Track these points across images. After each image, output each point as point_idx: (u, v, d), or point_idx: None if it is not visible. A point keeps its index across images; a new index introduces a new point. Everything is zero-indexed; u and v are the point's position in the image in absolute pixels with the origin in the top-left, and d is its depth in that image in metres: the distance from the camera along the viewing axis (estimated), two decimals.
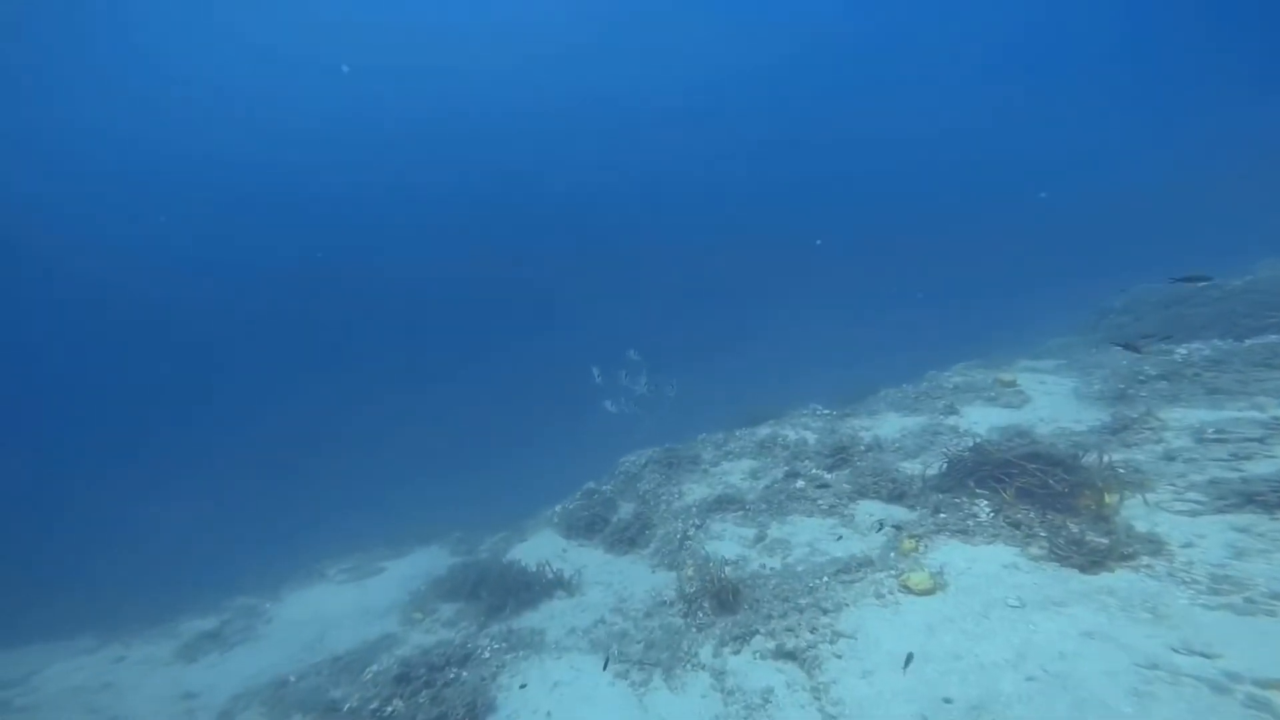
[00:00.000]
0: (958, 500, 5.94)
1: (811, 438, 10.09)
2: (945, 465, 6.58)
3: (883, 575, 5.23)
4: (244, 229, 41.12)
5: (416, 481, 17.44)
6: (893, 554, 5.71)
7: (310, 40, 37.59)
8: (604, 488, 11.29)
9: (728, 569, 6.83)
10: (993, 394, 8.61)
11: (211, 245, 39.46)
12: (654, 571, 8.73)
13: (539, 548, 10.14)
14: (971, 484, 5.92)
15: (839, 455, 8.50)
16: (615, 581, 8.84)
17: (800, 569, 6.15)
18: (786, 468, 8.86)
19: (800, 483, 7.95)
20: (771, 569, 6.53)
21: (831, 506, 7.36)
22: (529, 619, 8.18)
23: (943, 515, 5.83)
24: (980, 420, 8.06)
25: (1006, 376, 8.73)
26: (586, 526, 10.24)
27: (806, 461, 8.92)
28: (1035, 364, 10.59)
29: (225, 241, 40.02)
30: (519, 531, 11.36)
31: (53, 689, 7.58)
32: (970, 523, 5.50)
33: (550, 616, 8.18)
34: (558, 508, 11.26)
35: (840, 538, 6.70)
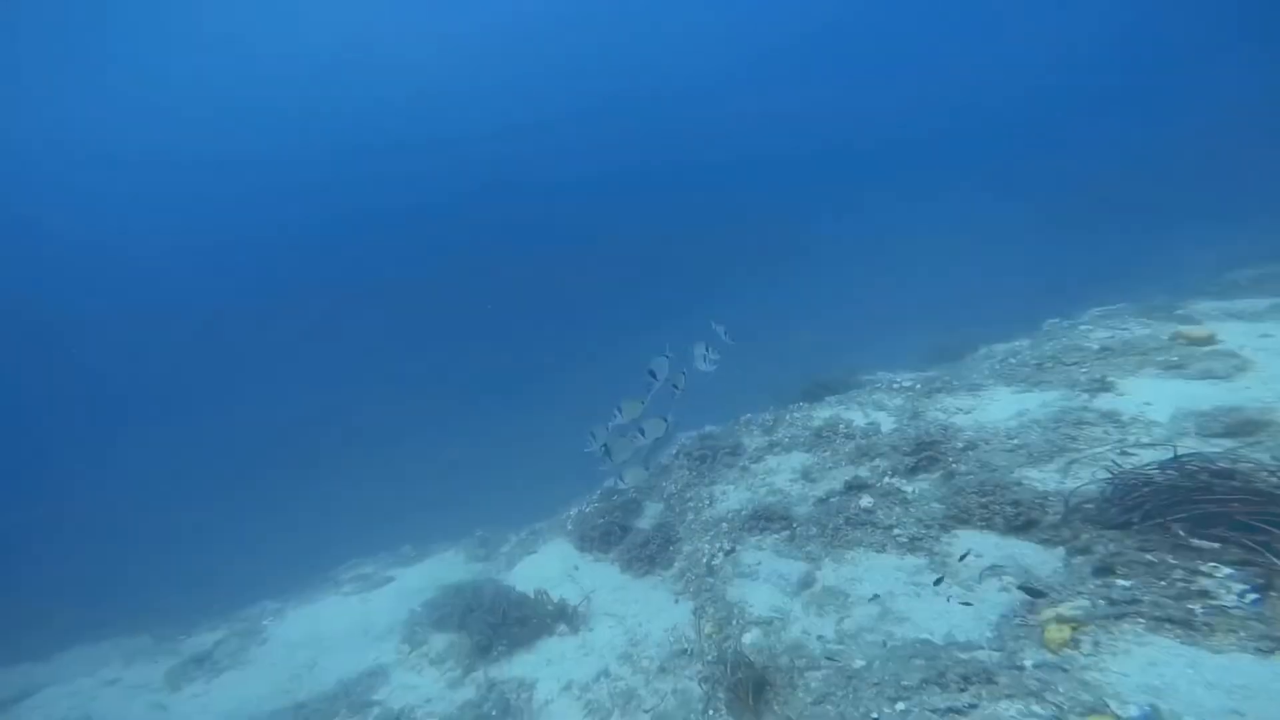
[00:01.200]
0: (1151, 554, 3.46)
1: (886, 423, 7.60)
2: (1109, 488, 4.03)
3: (1017, 707, 2.97)
4: (268, 215, 41.84)
5: (450, 466, 16.72)
6: (1027, 646, 3.41)
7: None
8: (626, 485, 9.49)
9: (756, 632, 4.81)
10: (1174, 356, 5.64)
11: (224, 234, 40.38)
12: (677, 601, 6.95)
13: (547, 563, 8.64)
14: (1179, 529, 3.39)
15: (924, 454, 6.04)
16: (629, 613, 7.15)
17: (865, 657, 4.00)
18: (849, 472, 6.54)
19: (867, 499, 5.64)
20: (821, 641, 4.42)
21: (914, 539, 5.04)
22: (521, 663, 6.71)
23: (1125, 584, 3.39)
24: (1157, 400, 5.21)
25: (1196, 329, 5.68)
26: (602, 536, 8.57)
27: (878, 461, 6.53)
28: (1230, 305, 7.23)
29: (240, 230, 40.80)
30: (534, 536, 9.96)
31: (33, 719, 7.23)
32: (1195, 608, 3.04)
33: (546, 661, 6.66)
34: (573, 511, 9.67)
35: (938, 594, 4.43)
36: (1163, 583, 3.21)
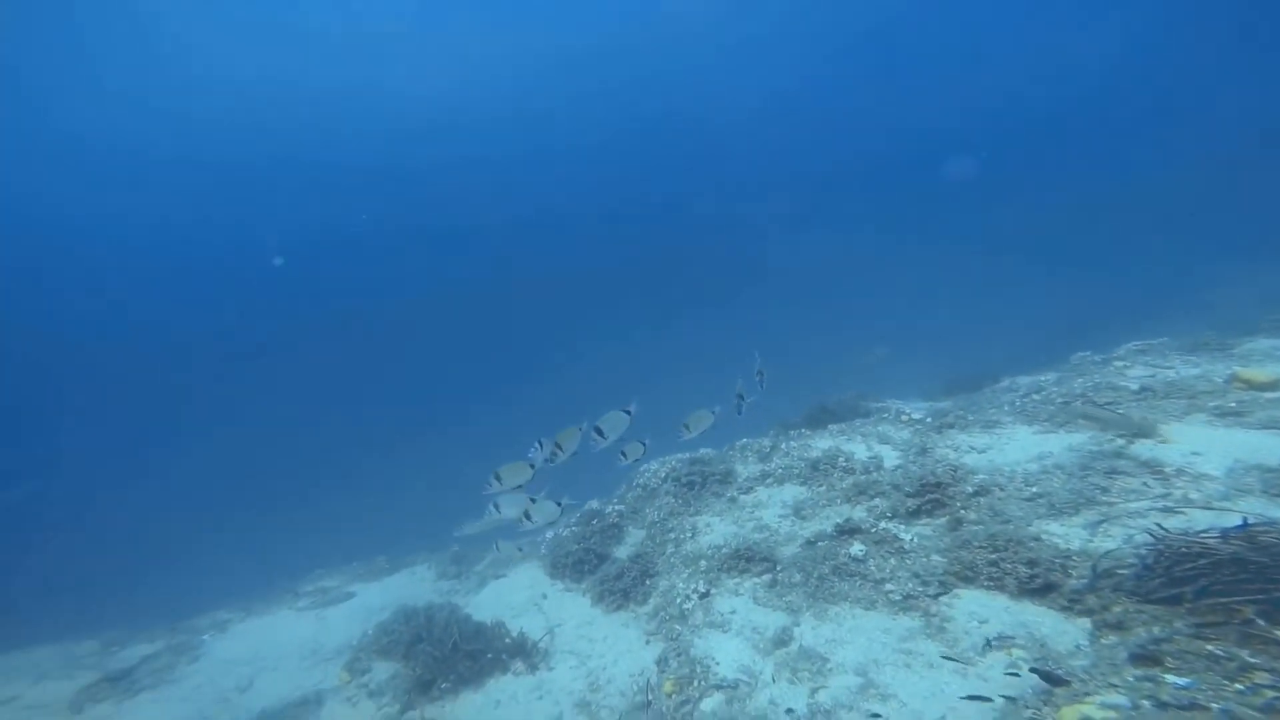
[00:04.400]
0: (1214, 644, 2.71)
1: (890, 458, 6.86)
2: (1151, 554, 3.28)
3: None
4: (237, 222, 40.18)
5: (439, 470, 16.17)
6: None
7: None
8: (608, 509, 8.83)
9: (717, 698, 4.09)
10: (1231, 401, 4.85)
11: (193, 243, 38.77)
12: (648, 643, 6.20)
13: (515, 589, 7.97)
14: (1254, 615, 2.65)
15: (928, 496, 5.30)
16: (594, 652, 6.41)
17: None
18: (843, 511, 5.81)
19: (858, 546, 4.90)
20: (790, 716, 3.69)
21: (908, 597, 4.29)
22: (466, 703, 6.02)
23: (1178, 680, 2.64)
24: (1209, 451, 4.43)
25: (1259, 373, 4.88)
26: (576, 564, 7.88)
27: (876, 500, 5.79)
28: None
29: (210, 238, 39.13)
30: (505, 558, 9.30)
31: None
32: None
33: (495, 704, 5.95)
34: (550, 533, 9.01)
35: (932, 668, 3.68)
36: (1238, 686, 2.46)
